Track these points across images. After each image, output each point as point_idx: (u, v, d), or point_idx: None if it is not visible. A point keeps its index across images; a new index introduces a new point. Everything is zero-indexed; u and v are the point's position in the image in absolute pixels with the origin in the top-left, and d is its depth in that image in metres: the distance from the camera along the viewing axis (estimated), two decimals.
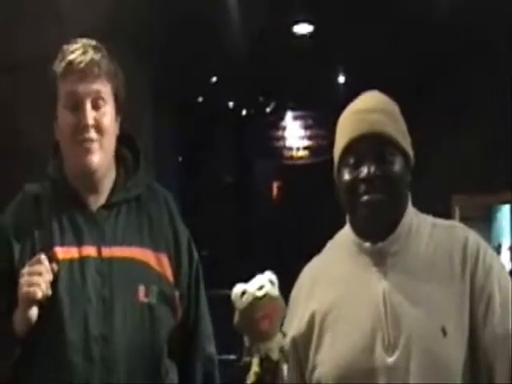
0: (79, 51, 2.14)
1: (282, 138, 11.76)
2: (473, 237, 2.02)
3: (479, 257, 1.97)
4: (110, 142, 2.18)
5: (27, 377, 2.09)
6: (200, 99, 10.34)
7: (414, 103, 7.32)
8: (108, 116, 2.16)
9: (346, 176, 1.99)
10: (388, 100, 2.06)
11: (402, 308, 1.92)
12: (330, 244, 2.18)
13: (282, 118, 11.59)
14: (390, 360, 1.89)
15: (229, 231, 11.69)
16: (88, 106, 2.13)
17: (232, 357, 7.29)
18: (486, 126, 7.17)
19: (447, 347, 1.88)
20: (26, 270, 2.03)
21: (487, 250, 2.02)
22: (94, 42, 2.19)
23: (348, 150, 1.99)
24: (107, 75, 2.16)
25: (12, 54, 4.36)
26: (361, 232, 2.02)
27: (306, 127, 11.51)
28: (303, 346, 2.02)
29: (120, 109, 2.22)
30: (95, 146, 2.11)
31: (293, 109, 11.39)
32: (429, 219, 2.07)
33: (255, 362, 1.77)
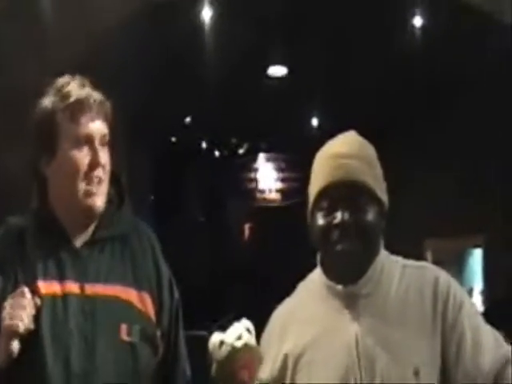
0: (84, 90, 2.10)
1: (255, 179, 11.81)
2: (443, 276, 2.02)
3: (449, 296, 1.97)
4: (108, 182, 2.17)
5: None
6: (173, 139, 10.37)
7: (390, 146, 7.38)
8: (107, 155, 2.15)
9: (320, 221, 1.99)
10: (365, 144, 2.05)
11: (374, 351, 1.91)
12: (301, 286, 2.17)
13: (254, 159, 11.65)
14: None
15: (201, 270, 11.66)
16: (98, 145, 2.11)
17: None
18: (460, 169, 7.24)
19: None
20: (8, 302, 2.01)
21: (457, 289, 2.01)
22: (86, 80, 2.17)
23: (322, 194, 1.99)
24: (109, 117, 2.16)
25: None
26: (332, 276, 2.02)
27: (279, 169, 11.56)
28: None
29: (112, 151, 2.22)
30: (101, 188, 2.11)
31: (265, 151, 11.45)
32: (400, 261, 2.07)
33: None
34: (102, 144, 2.11)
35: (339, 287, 2.00)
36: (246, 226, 13.01)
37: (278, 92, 7.97)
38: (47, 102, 2.11)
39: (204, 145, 10.89)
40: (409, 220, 7.44)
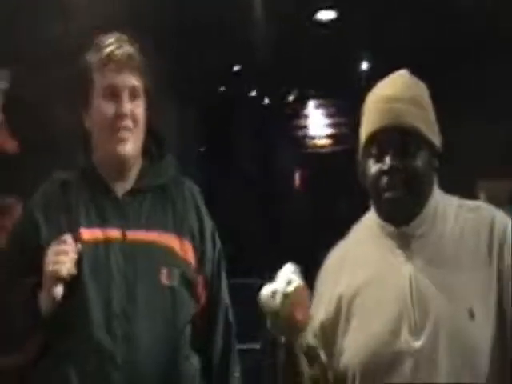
0: (116, 44, 2.24)
1: (305, 126, 11.74)
2: (500, 217, 1.99)
3: (506, 236, 1.94)
4: (141, 132, 2.25)
5: (53, 353, 2.12)
6: (222, 89, 10.34)
7: (440, 88, 7.26)
8: (141, 108, 2.25)
9: (370, 167, 1.98)
10: (417, 84, 2.02)
11: (428, 291, 1.90)
12: (355, 227, 2.17)
13: (304, 106, 11.57)
14: (417, 344, 1.88)
15: (252, 221, 11.70)
16: (125, 96, 2.20)
17: (256, 346, 7.30)
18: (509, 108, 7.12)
19: (475, 330, 1.86)
20: (51, 249, 2.08)
21: None
22: (126, 37, 2.26)
23: (372, 140, 1.97)
24: (141, 70, 2.24)
25: (36, 48, 4.38)
26: (385, 219, 2.02)
27: (329, 115, 11.48)
28: (331, 330, 2.02)
29: (149, 104, 2.28)
30: (130, 135, 2.19)
31: (315, 97, 11.36)
32: (454, 201, 2.05)
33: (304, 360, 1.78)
34: (133, 96, 2.20)
35: (392, 228, 1.99)
36: (297, 174, 12.99)
37: (326, 37, 7.88)
38: (85, 57, 2.21)
39: (253, 93, 10.84)
40: (462, 162, 7.36)
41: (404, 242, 1.97)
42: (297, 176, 13.03)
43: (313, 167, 12.34)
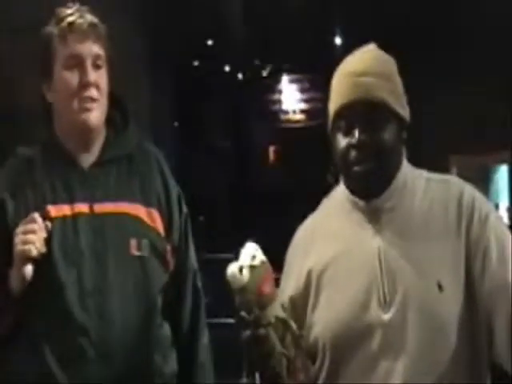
0: (77, 14, 2.21)
1: (279, 101, 11.74)
2: (468, 190, 2.00)
3: (474, 210, 1.94)
4: (105, 102, 2.23)
5: (28, 334, 2.12)
6: (196, 63, 10.30)
7: (414, 63, 7.28)
8: (104, 78, 2.22)
9: (338, 141, 1.97)
10: (383, 57, 2.01)
11: (397, 264, 1.91)
12: (324, 202, 2.17)
13: (278, 81, 11.56)
14: (386, 316, 1.88)
15: (225, 195, 11.70)
16: (89, 65, 2.18)
17: (229, 320, 7.34)
18: (485, 85, 7.15)
19: (443, 303, 1.87)
20: (20, 228, 2.06)
21: (483, 202, 1.99)
22: (86, 7, 2.24)
23: (339, 114, 1.96)
24: (103, 39, 2.22)
25: (13, 17, 4.33)
26: (355, 193, 2.02)
27: (303, 90, 11.47)
28: (301, 304, 2.02)
29: (110, 74, 2.27)
30: (95, 105, 2.17)
31: (289, 72, 11.35)
32: (424, 174, 2.05)
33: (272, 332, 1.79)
34: (95, 65, 2.19)
35: (362, 202, 2.00)
36: (271, 149, 12.99)
37: (299, 11, 7.87)
38: (47, 29, 2.20)
39: (227, 68, 10.80)
40: (433, 137, 7.39)
41: (373, 216, 1.98)
42: (270, 150, 13.04)
43: (286, 142, 12.35)
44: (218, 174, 11.59)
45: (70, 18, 2.19)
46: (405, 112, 2.00)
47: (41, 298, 2.11)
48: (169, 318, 2.27)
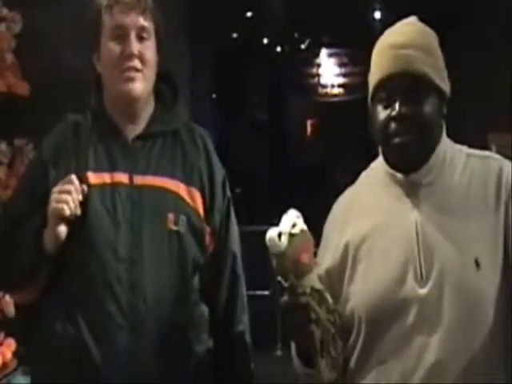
0: None
1: (317, 75, 11.69)
2: (507, 166, 1.97)
3: None
4: (151, 74, 2.24)
5: (60, 295, 2.15)
6: (234, 35, 10.28)
7: (452, 39, 7.21)
8: (150, 49, 2.24)
9: (378, 113, 1.96)
10: (425, 31, 1.99)
11: (434, 239, 1.90)
12: (363, 174, 2.16)
13: (316, 54, 11.51)
14: (422, 291, 1.87)
15: (263, 168, 11.71)
16: (133, 37, 2.21)
17: (266, 292, 7.37)
18: None
19: (480, 280, 1.86)
20: (56, 188, 2.10)
21: None
22: None
23: (380, 86, 1.96)
24: (150, 12, 2.25)
25: None
26: (393, 166, 2.02)
27: (341, 64, 11.42)
28: (337, 277, 2.02)
29: (160, 47, 2.28)
30: (138, 75, 2.19)
31: (328, 46, 11.30)
32: (464, 150, 2.03)
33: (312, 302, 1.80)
34: (140, 37, 2.21)
35: (400, 176, 1.99)
36: (309, 122, 12.96)
37: None
38: (95, 0, 2.23)
39: (265, 40, 10.77)
40: (473, 114, 7.32)
41: (412, 190, 1.97)
42: (308, 124, 13.01)
43: (324, 116, 12.31)
44: (256, 147, 11.59)
45: None
46: (445, 86, 1.98)
47: (73, 262, 2.13)
48: (206, 301, 2.28)
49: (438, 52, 1.99)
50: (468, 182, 1.96)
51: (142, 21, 2.22)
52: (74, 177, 2.11)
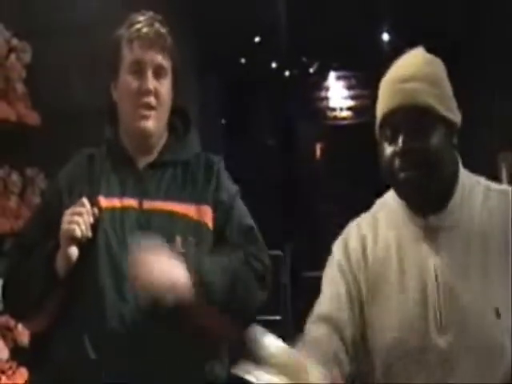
0: (147, 22, 2.30)
1: (326, 98, 11.71)
2: None
3: None
4: (165, 111, 2.29)
5: (68, 318, 2.17)
6: (243, 60, 10.31)
7: (461, 60, 7.23)
8: (166, 87, 2.29)
9: (384, 149, 1.91)
10: (429, 61, 1.96)
11: (454, 286, 1.84)
12: (378, 206, 2.10)
13: (325, 78, 11.53)
14: (441, 339, 1.84)
15: (272, 193, 11.70)
16: (150, 73, 2.25)
17: (277, 317, 7.34)
18: None
19: (500, 329, 1.81)
20: (68, 210, 2.15)
21: None
22: (159, 17, 2.31)
23: (385, 122, 1.92)
24: (170, 50, 2.30)
25: (58, 21, 4.38)
26: (405, 202, 1.97)
27: (350, 87, 11.44)
28: (357, 297, 1.96)
29: (175, 84, 2.32)
30: (153, 113, 2.24)
31: (336, 69, 11.32)
32: (482, 183, 1.98)
33: None
34: (157, 74, 2.27)
35: (419, 219, 1.93)
36: (318, 146, 12.96)
37: (347, 8, 7.83)
38: (117, 32, 2.27)
39: (274, 65, 10.80)
40: (483, 134, 7.31)
41: (431, 233, 1.91)
42: (317, 148, 13.01)
43: (333, 139, 12.31)
44: (265, 172, 11.58)
45: (139, 25, 2.27)
46: (454, 115, 1.93)
47: (81, 283, 2.16)
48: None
49: (446, 82, 1.95)
50: (488, 220, 1.90)
51: (161, 59, 2.27)
52: (85, 200, 2.16)
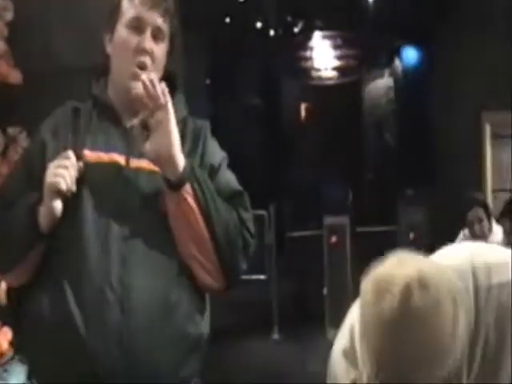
0: None
1: (310, 58, 11.67)
2: None
3: None
4: (158, 74, 2.25)
5: (51, 273, 2.16)
6: (227, 20, 10.25)
7: (446, 18, 7.19)
8: (162, 51, 2.26)
9: None
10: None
11: None
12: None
13: (309, 38, 11.49)
14: None
15: (256, 153, 11.71)
16: (149, 33, 2.23)
17: (262, 277, 7.39)
18: None
19: None
20: (53, 163, 2.11)
21: None
22: None
23: None
24: (170, 14, 2.26)
25: None
26: None
27: (335, 47, 11.40)
28: None
29: (171, 50, 2.30)
30: (148, 74, 2.19)
31: (321, 28, 11.27)
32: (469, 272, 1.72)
33: None
34: (155, 36, 2.24)
35: None
36: (302, 106, 12.95)
37: None
38: None
39: (258, 24, 10.74)
40: (466, 92, 7.32)
41: None
42: (302, 108, 13.00)
43: (318, 99, 12.30)
44: (249, 132, 11.58)
45: None
46: None
47: (65, 237, 2.14)
48: None
49: None
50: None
51: (161, 22, 2.24)
52: (70, 152, 2.12)
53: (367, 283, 1.61)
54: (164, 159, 2.10)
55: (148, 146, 2.09)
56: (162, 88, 2.11)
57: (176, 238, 2.15)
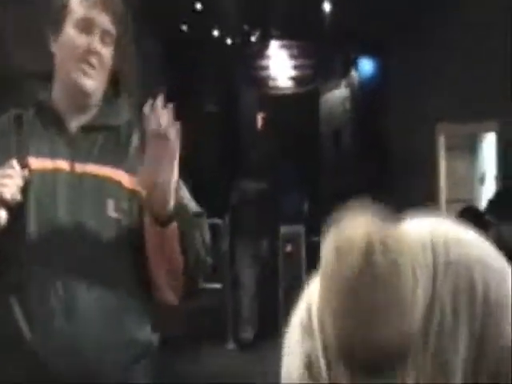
0: None
1: (267, 67, 11.71)
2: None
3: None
4: (105, 76, 2.26)
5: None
6: (184, 28, 10.24)
7: (402, 30, 7.26)
8: (109, 53, 2.24)
9: None
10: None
11: None
12: None
13: (266, 47, 11.52)
14: None
15: (212, 161, 11.70)
16: (97, 35, 2.21)
17: (217, 286, 7.38)
18: (472, 54, 7.15)
19: None
20: None
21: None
22: None
23: None
24: (119, 18, 2.25)
25: None
26: None
27: (292, 56, 11.45)
28: None
29: (116, 54, 2.29)
30: (94, 72, 2.19)
31: (278, 38, 11.31)
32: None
33: None
34: (104, 40, 2.24)
35: None
36: (259, 115, 12.98)
37: None
38: None
39: (215, 33, 10.75)
40: (421, 104, 7.39)
41: None
42: (258, 117, 13.03)
43: (276, 108, 12.34)
44: (206, 140, 11.57)
45: None
46: None
47: (10, 247, 2.12)
48: None
49: None
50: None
51: (110, 25, 2.23)
52: (14, 161, 2.10)
53: (328, 245, 1.63)
54: (159, 193, 2.07)
55: (145, 174, 2.05)
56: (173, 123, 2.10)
57: (149, 260, 2.14)
